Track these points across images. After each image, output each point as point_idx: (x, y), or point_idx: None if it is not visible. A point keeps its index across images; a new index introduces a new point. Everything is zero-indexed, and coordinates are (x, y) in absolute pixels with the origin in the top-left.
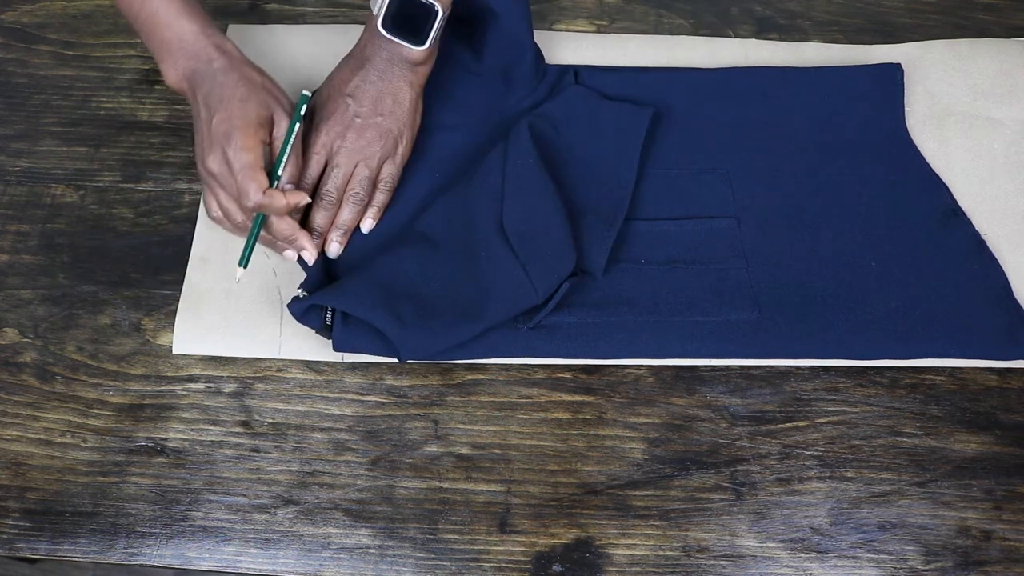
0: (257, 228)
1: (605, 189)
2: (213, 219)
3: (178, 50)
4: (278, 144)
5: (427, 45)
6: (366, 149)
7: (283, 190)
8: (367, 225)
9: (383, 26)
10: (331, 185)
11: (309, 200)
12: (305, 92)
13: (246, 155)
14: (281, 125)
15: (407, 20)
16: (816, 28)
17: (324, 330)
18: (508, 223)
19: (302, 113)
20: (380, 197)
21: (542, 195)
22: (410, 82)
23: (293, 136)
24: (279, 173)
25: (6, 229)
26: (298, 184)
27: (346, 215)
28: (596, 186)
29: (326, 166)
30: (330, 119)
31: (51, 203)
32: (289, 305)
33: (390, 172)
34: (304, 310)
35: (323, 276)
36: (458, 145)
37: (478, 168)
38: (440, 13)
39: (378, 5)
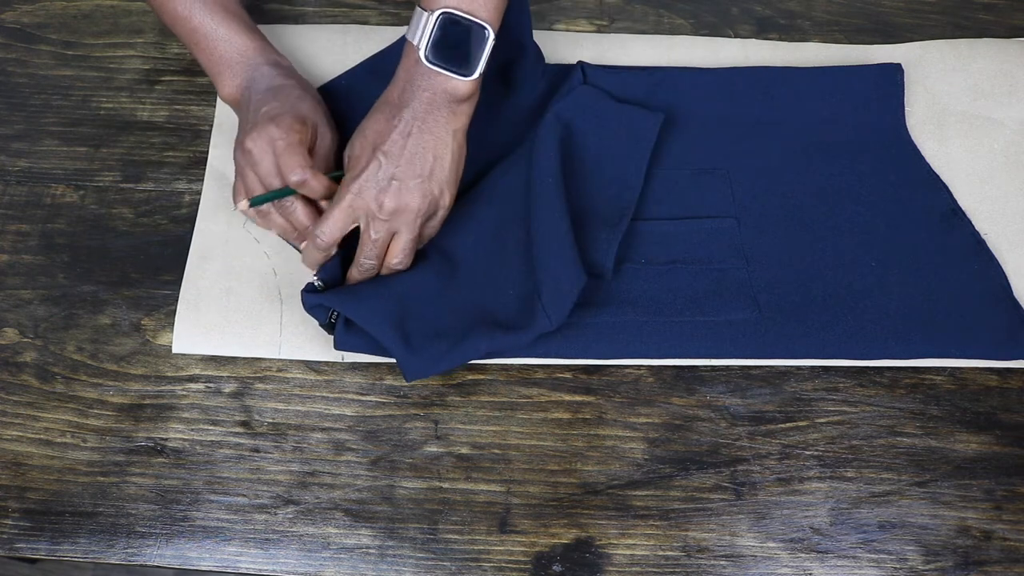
0: (280, 193)
1: (612, 192)
2: (240, 210)
3: (238, 64)
4: (319, 158)
5: (477, 74)
6: (405, 216)
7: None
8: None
9: (427, 55)
10: (370, 254)
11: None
12: None
13: (294, 135)
14: (326, 138)
15: (453, 47)
16: (816, 28)
17: (327, 326)
18: (534, 253)
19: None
20: (417, 247)
21: (561, 218)
22: (453, 130)
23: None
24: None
25: (6, 229)
26: (314, 238)
27: (385, 275)
28: (603, 189)
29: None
30: (360, 178)
31: (51, 203)
32: (303, 291)
33: (429, 233)
34: (314, 304)
35: (340, 271)
36: None
37: (501, 182)
38: (491, 36)
39: (419, 32)
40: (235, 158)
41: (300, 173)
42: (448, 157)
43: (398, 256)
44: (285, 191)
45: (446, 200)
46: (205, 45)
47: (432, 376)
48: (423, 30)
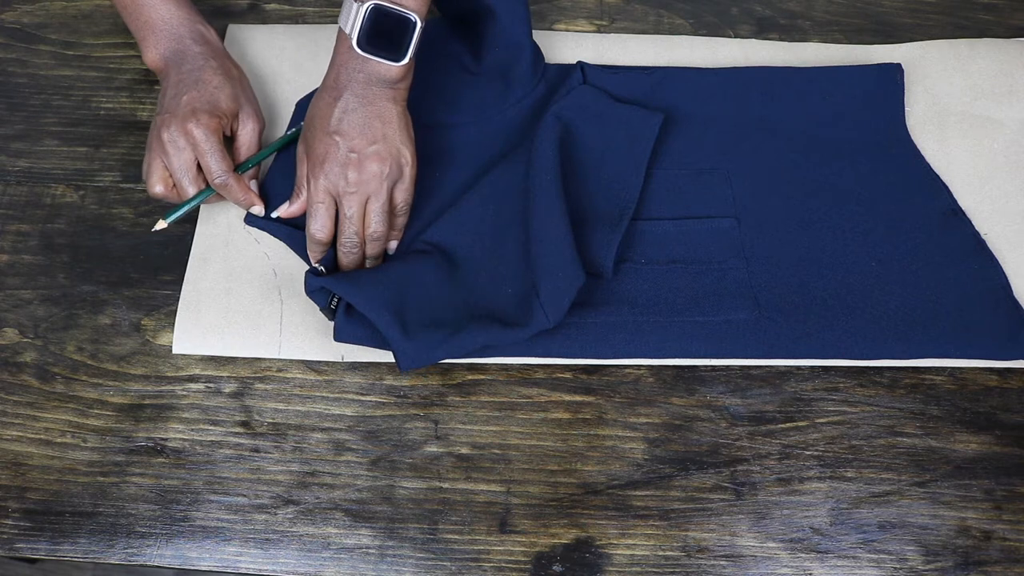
0: (199, 199)
1: (612, 192)
2: (146, 183)
3: (162, 31)
4: (242, 144)
5: (406, 60)
6: (371, 183)
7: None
8: (392, 247)
9: (359, 44)
10: (349, 232)
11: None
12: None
13: (213, 136)
14: (247, 125)
15: (383, 35)
16: (816, 28)
17: (327, 311)
18: (532, 251)
19: (287, 133)
20: (400, 221)
21: (560, 216)
22: (393, 98)
23: (271, 151)
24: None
25: (6, 229)
26: (311, 236)
27: (372, 254)
28: (603, 188)
29: (336, 211)
30: (324, 163)
31: (51, 203)
32: (307, 271)
33: (404, 197)
34: (316, 288)
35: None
36: (457, 144)
37: (501, 181)
38: (418, 25)
39: (351, 22)
40: (150, 137)
41: (223, 177)
42: (395, 120)
43: (373, 224)
44: (201, 195)
45: (407, 157)
46: (132, 10)
47: (429, 372)
48: (354, 20)
